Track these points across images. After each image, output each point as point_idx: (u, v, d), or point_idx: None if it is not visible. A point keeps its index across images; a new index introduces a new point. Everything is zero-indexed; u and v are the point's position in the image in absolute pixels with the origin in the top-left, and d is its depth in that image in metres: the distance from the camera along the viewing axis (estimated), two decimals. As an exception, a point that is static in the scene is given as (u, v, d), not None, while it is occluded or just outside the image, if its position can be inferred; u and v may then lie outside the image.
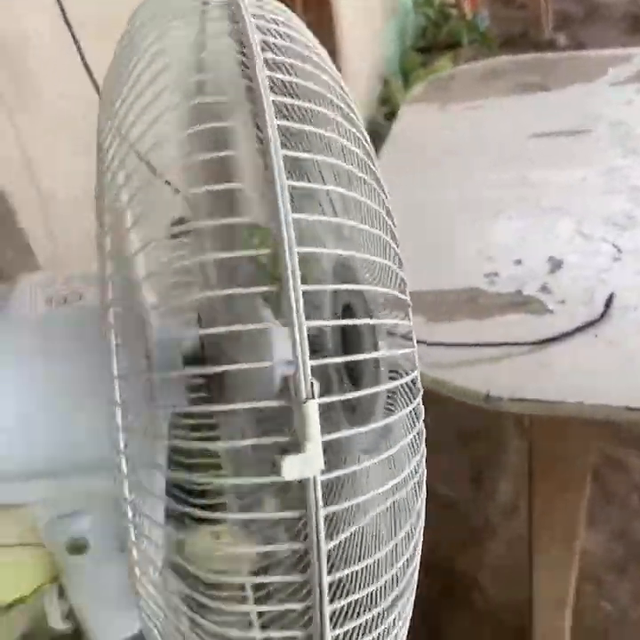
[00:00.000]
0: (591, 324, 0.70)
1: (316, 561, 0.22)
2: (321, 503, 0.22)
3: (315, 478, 0.22)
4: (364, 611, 0.27)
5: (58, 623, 0.48)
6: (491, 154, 1.11)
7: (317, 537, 0.22)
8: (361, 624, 0.26)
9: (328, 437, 0.23)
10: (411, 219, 0.96)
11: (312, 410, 0.23)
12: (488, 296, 0.78)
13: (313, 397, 0.23)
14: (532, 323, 0.72)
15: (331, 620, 0.23)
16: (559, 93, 1.30)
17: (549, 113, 1.22)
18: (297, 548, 0.23)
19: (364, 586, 0.26)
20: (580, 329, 0.70)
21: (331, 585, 0.23)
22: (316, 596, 0.23)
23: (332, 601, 0.23)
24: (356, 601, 0.26)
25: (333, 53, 2.49)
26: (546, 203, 0.95)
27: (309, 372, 0.22)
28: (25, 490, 0.36)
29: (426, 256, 0.88)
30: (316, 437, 0.22)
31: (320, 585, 0.23)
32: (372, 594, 0.27)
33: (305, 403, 0.23)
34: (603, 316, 0.71)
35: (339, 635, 0.25)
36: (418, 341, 0.71)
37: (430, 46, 3.57)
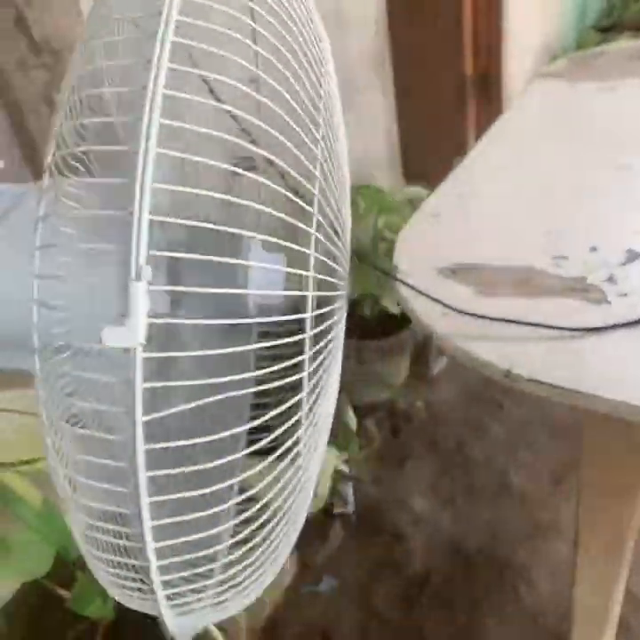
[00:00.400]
0: (645, 320, 0.64)
1: (132, 427, 0.24)
2: (140, 375, 0.24)
3: (135, 350, 0.24)
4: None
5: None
6: (606, 133, 1.03)
7: (135, 408, 0.24)
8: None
9: (153, 320, 0.25)
10: (512, 185, 0.93)
11: (136, 289, 0.24)
12: (548, 278, 0.74)
13: (140, 280, 0.25)
14: (583, 310, 0.68)
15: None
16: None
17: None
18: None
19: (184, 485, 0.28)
20: (629, 324, 0.64)
21: (147, 452, 0.25)
22: (135, 463, 0.25)
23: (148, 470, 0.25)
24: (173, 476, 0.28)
25: (498, 28, 2.40)
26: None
27: (143, 257, 0.24)
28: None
29: (507, 228, 0.85)
30: (137, 313, 0.24)
31: (135, 452, 0.24)
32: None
33: (133, 282, 0.24)
34: (663, 314, 0.65)
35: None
36: (452, 308, 0.70)
37: (614, 26, 3.32)
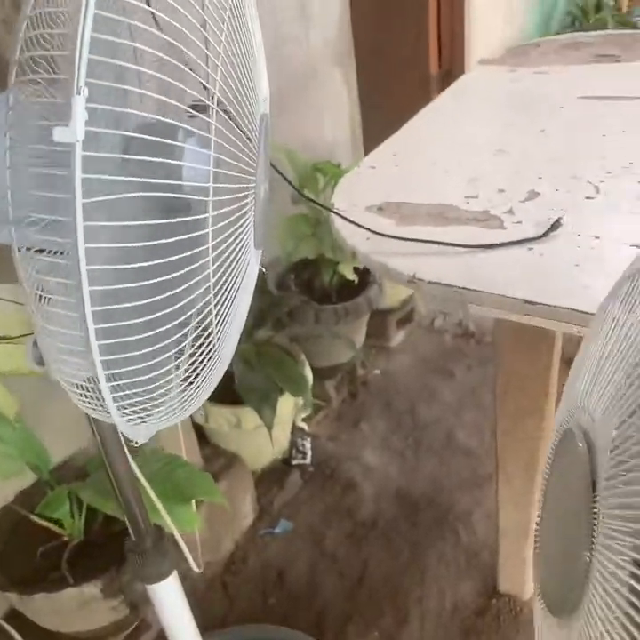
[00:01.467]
0: (531, 240, 0.77)
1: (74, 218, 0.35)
2: (79, 167, 0.35)
3: (75, 145, 0.35)
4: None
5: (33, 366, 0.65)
6: (530, 106, 1.17)
7: (75, 196, 0.35)
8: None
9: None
10: (440, 146, 1.06)
11: (76, 101, 0.35)
12: (458, 212, 0.87)
13: (79, 94, 0.36)
14: (482, 234, 0.81)
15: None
16: (628, 65, 1.31)
17: (605, 80, 1.24)
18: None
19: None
20: (518, 242, 0.77)
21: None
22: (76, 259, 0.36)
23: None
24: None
25: (461, 35, 2.54)
26: (552, 148, 1.01)
27: (82, 79, 0.35)
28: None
29: (429, 177, 0.98)
30: (76, 119, 0.35)
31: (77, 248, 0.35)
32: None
33: (74, 96, 0.36)
34: (544, 235, 0.78)
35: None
36: (375, 233, 0.82)
37: (575, 35, 3.48)
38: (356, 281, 1.68)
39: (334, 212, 0.87)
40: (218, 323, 0.54)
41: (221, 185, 0.48)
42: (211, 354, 0.56)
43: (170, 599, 0.87)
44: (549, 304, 0.67)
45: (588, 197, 0.86)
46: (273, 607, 1.40)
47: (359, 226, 0.83)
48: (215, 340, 0.54)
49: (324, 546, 1.51)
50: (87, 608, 1.14)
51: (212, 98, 0.44)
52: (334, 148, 1.98)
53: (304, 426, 1.78)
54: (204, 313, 0.52)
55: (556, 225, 0.79)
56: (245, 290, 0.60)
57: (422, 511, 1.55)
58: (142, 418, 0.54)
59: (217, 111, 0.45)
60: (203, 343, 0.54)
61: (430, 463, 1.67)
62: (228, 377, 1.42)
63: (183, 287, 0.48)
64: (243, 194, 0.51)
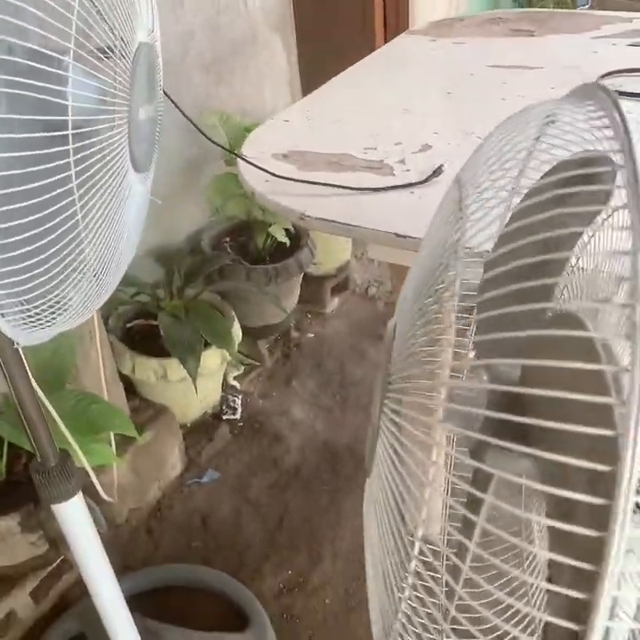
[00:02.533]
0: (413, 184, 0.84)
1: None
2: None
3: None
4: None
5: None
6: (442, 72, 1.24)
7: None
8: None
9: None
10: (351, 105, 1.12)
11: None
12: (355, 160, 0.93)
13: None
14: (372, 179, 0.87)
15: None
16: (540, 39, 1.39)
17: (517, 51, 1.32)
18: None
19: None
20: (401, 186, 0.84)
21: None
22: None
23: None
24: None
25: (405, 13, 2.59)
26: (454, 108, 1.08)
27: None
28: None
29: (335, 131, 1.04)
30: None
31: None
32: None
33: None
34: (425, 180, 0.84)
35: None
36: (273, 174, 0.88)
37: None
38: (288, 244, 1.73)
39: (237, 155, 0.92)
40: (91, 237, 0.59)
41: (80, 104, 0.52)
42: (82, 267, 0.60)
43: (75, 520, 0.92)
44: (416, 237, 0.73)
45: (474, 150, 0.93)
46: (196, 550, 1.46)
47: (259, 168, 0.89)
48: (87, 252, 0.59)
49: (249, 493, 1.57)
50: (6, 542, 1.18)
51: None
52: (274, 115, 2.01)
53: (236, 384, 1.83)
54: (68, 224, 0.56)
55: (437, 171, 0.86)
56: (129, 209, 0.65)
57: (344, 461, 1.62)
58: (26, 323, 0.59)
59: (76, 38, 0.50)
60: (73, 252, 0.58)
61: (356, 418, 1.74)
62: (157, 331, 1.47)
63: (44, 197, 0.52)
64: (111, 115, 0.56)
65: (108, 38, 0.54)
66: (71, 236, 0.57)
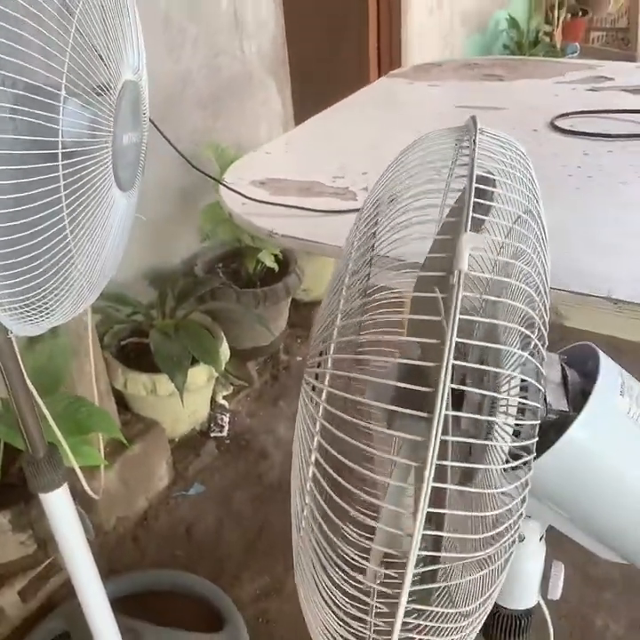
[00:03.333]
0: (372, 207, 0.94)
1: None
2: None
3: None
4: None
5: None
6: (414, 112, 1.36)
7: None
8: None
9: None
10: (327, 140, 1.23)
11: None
12: (324, 187, 1.03)
13: None
14: (337, 203, 0.97)
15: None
16: (508, 83, 1.51)
17: (485, 94, 1.43)
18: None
19: None
20: (355, 210, 0.94)
21: None
22: None
23: None
24: None
25: (398, 59, 2.74)
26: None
27: None
28: None
29: (309, 162, 1.14)
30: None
31: None
32: None
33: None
34: (384, 204, 0.94)
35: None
36: (249, 198, 0.98)
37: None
38: (277, 270, 1.83)
39: (217, 181, 1.03)
40: (77, 245, 0.68)
41: (70, 128, 0.62)
42: (70, 270, 0.70)
43: (60, 509, 1.00)
44: (368, 251, 0.83)
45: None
46: (179, 558, 1.52)
47: (236, 192, 0.99)
48: (77, 262, 0.69)
49: (232, 506, 1.64)
50: (-3, 539, 1.25)
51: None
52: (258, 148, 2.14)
53: (224, 403, 1.91)
54: (60, 237, 0.65)
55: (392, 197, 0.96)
56: (112, 222, 0.75)
57: (324, 478, 1.69)
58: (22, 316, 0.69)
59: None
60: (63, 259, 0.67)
61: (337, 438, 1.82)
62: (149, 349, 1.56)
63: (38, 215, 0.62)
64: (97, 139, 0.66)
65: (97, 77, 0.64)
66: (61, 244, 0.67)
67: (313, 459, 0.46)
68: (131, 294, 1.70)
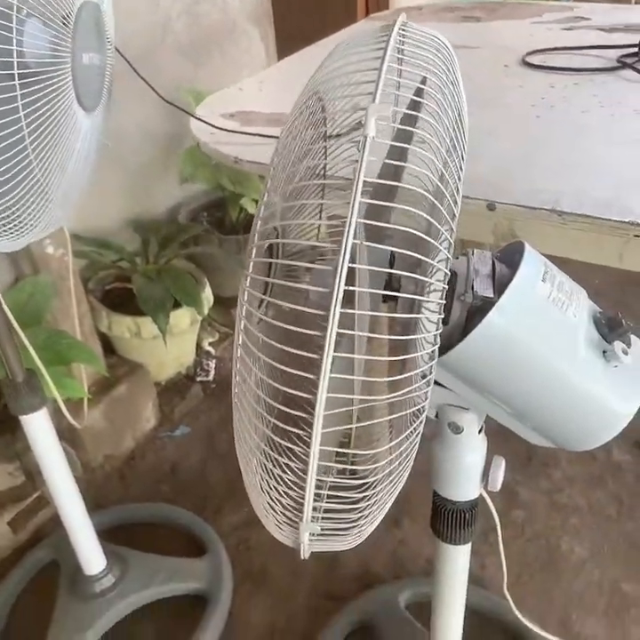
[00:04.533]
0: (336, 136, 0.96)
1: None
2: None
3: None
4: None
5: None
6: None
7: None
8: None
9: None
10: (301, 77, 1.23)
11: None
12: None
13: None
14: (303, 132, 0.99)
15: None
16: (484, 24, 1.51)
17: (461, 34, 1.44)
18: None
19: None
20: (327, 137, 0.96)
21: None
22: None
23: None
24: None
25: (386, 3, 2.70)
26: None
27: None
28: None
29: (280, 97, 1.16)
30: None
31: None
32: None
33: None
34: (346, 133, 0.96)
35: None
36: (217, 127, 1.00)
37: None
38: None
39: (187, 113, 1.05)
40: (38, 158, 0.71)
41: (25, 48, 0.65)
42: (38, 193, 0.73)
43: (41, 432, 1.04)
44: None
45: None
46: (164, 493, 1.57)
47: (204, 122, 1.01)
48: (39, 176, 0.71)
49: (216, 446, 1.69)
50: (-15, 470, 1.30)
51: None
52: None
53: (211, 349, 1.95)
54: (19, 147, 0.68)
55: (357, 126, 0.98)
56: (76, 140, 0.77)
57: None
58: None
59: None
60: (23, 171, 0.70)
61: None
62: (134, 295, 1.59)
63: None
64: (56, 58, 0.68)
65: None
66: (20, 157, 0.70)
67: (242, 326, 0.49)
68: (116, 242, 1.73)
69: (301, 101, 0.58)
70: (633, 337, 0.58)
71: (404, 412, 0.48)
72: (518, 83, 1.13)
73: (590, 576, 1.30)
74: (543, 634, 0.96)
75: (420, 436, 0.48)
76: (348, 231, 0.38)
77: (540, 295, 0.54)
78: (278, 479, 0.46)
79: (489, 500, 0.75)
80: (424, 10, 1.68)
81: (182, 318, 1.65)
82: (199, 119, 1.02)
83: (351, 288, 0.39)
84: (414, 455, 0.49)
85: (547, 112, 1.02)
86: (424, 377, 0.48)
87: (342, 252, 0.38)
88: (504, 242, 0.71)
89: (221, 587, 1.28)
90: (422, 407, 0.47)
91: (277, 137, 0.96)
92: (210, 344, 1.96)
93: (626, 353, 0.55)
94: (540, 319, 0.54)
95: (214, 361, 1.92)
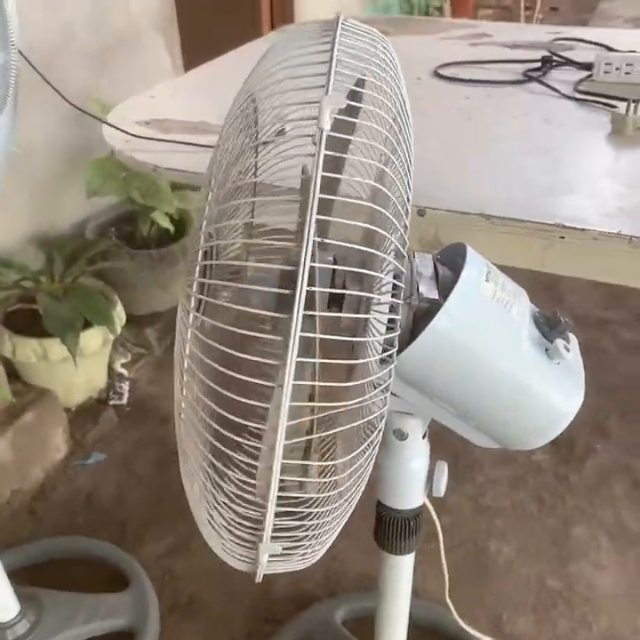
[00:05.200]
0: (260, 143, 0.94)
1: None
2: None
3: None
4: None
5: None
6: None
7: None
8: None
9: None
10: (214, 86, 1.19)
11: None
12: (210, 126, 1.02)
13: None
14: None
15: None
16: (393, 38, 1.53)
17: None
18: None
19: None
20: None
21: None
22: None
23: None
24: None
25: (291, 15, 2.72)
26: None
27: None
28: None
29: (195, 106, 1.13)
30: None
31: None
32: None
33: None
34: (270, 141, 0.94)
35: None
36: (133, 135, 0.95)
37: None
38: (173, 232, 1.80)
39: (100, 120, 0.99)
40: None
41: None
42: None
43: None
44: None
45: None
46: (80, 526, 1.47)
47: (119, 129, 0.96)
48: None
49: (134, 471, 1.60)
50: None
51: None
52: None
53: (123, 371, 1.86)
54: None
55: (280, 133, 0.96)
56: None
57: (228, 437, 1.68)
58: None
59: None
60: None
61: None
62: (40, 315, 1.49)
63: None
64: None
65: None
66: None
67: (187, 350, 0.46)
68: (18, 260, 1.62)
69: (235, 106, 0.55)
70: (570, 334, 0.59)
71: (357, 422, 0.46)
72: (434, 95, 1.15)
73: (518, 575, 1.33)
74: (484, 637, 0.96)
75: (377, 447, 0.47)
76: (308, 231, 0.36)
77: (484, 295, 0.54)
78: (231, 497, 0.43)
79: (431, 507, 0.74)
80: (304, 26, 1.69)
81: (93, 338, 1.57)
82: (113, 126, 0.97)
83: (312, 288, 0.37)
84: (372, 464, 0.47)
85: (464, 122, 1.04)
86: (380, 384, 0.46)
87: (303, 251, 0.36)
88: (433, 249, 0.72)
89: (148, 620, 1.20)
90: (380, 415, 0.45)
91: (197, 145, 0.94)
92: (122, 365, 1.87)
93: (568, 349, 0.56)
94: (486, 319, 0.54)
95: (128, 383, 1.83)
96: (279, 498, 0.41)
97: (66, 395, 1.66)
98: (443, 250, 0.61)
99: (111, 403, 1.77)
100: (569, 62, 1.23)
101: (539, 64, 1.23)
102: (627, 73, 1.11)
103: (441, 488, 0.68)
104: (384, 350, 0.48)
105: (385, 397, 0.45)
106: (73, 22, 1.70)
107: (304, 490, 0.46)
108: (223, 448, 0.44)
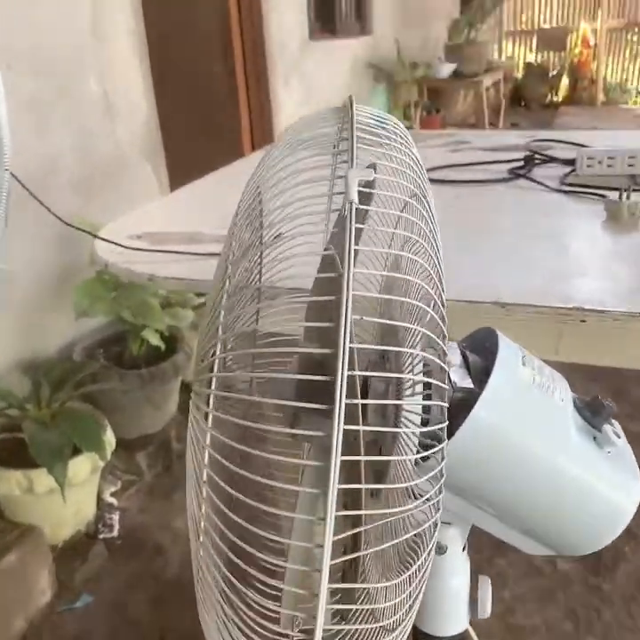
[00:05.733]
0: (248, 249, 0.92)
1: None
2: None
3: None
4: None
5: None
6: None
7: None
8: None
9: None
10: (204, 204, 1.21)
11: None
12: (205, 236, 1.01)
13: None
14: (215, 248, 0.94)
15: None
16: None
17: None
18: None
19: None
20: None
21: None
22: None
23: None
24: None
25: (271, 136, 2.85)
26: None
27: None
28: None
29: (186, 224, 1.12)
30: None
31: None
32: None
33: None
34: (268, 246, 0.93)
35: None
36: (127, 247, 0.93)
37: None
38: (164, 349, 1.75)
39: (92, 234, 0.97)
40: None
41: None
42: None
43: None
44: (254, 282, 0.80)
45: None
46: (66, 682, 1.31)
47: (112, 242, 0.94)
48: None
49: (127, 612, 1.46)
50: None
51: None
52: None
53: (113, 500, 1.75)
54: None
55: (277, 237, 0.94)
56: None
57: (228, 567, 1.55)
58: None
59: None
60: None
61: (239, 522, 1.69)
62: (20, 442, 1.41)
63: None
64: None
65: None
66: None
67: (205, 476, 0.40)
68: (2, 387, 1.56)
69: (241, 208, 0.52)
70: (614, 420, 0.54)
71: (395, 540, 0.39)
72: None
73: None
74: None
75: (428, 570, 0.39)
76: (346, 308, 0.32)
77: (523, 380, 0.49)
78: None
79: (473, 633, 0.65)
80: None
81: (82, 466, 1.47)
82: (106, 240, 0.95)
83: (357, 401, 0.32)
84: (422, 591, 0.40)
85: (462, 215, 1.04)
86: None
87: (342, 333, 0.31)
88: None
89: None
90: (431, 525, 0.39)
91: (192, 254, 0.92)
92: (112, 494, 1.76)
93: (618, 436, 0.50)
94: (530, 406, 0.48)
95: (118, 513, 1.71)
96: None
97: (52, 530, 1.53)
98: (467, 337, 0.57)
99: (101, 536, 1.65)
100: (552, 159, 1.26)
101: (522, 163, 1.25)
102: (609, 165, 1.14)
103: (487, 607, 0.60)
104: (423, 447, 0.42)
105: (437, 502, 0.39)
106: (61, 147, 1.75)
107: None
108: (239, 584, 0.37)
